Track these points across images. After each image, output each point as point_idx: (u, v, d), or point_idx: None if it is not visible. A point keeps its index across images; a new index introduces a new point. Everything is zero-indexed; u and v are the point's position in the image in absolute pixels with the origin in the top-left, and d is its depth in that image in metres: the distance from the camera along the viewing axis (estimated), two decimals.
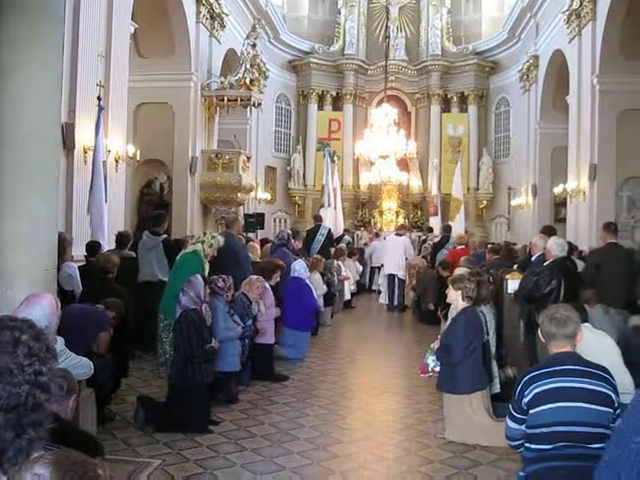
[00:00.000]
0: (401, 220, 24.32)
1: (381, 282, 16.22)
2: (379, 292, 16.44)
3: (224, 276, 7.20)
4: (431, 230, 19.30)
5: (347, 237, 18.85)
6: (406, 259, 15.24)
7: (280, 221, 25.42)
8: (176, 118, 15.68)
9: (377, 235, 19.82)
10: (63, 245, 7.78)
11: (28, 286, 4.46)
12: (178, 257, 7.99)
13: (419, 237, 21.45)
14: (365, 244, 20.45)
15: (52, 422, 1.40)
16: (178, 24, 15.42)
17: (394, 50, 26.14)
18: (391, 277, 15.17)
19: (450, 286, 6.16)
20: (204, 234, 8.15)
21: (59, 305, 4.26)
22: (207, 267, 7.63)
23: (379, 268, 18.34)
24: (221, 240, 8.00)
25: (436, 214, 22.71)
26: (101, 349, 5.71)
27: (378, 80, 25.79)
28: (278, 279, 9.04)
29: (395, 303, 15.05)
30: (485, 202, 25.44)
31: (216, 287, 6.96)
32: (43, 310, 3.98)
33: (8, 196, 4.71)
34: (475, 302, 6.36)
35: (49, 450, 1.45)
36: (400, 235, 15.88)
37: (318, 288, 11.40)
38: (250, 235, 16.32)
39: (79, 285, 7.66)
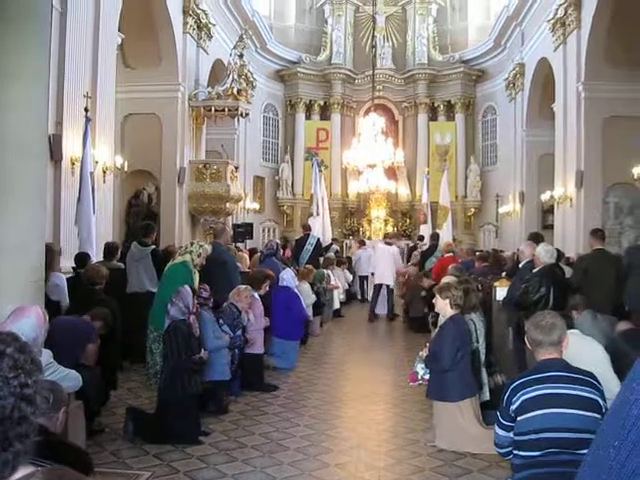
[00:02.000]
0: (390, 229, 24.35)
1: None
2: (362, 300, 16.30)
3: (204, 285, 7.21)
4: (422, 238, 19.33)
5: (335, 246, 18.85)
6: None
7: (269, 231, 25.42)
8: (164, 129, 15.69)
9: (362, 244, 19.83)
10: (52, 255, 7.76)
11: (15, 298, 4.44)
12: (167, 268, 7.96)
13: (407, 245, 21.49)
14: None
15: (38, 435, 1.39)
16: (165, 35, 15.44)
17: (381, 59, 26.28)
18: (378, 286, 15.02)
19: (437, 295, 6.16)
20: (191, 244, 8.13)
21: (47, 317, 4.24)
22: (197, 277, 7.61)
23: (367, 277, 18.35)
24: (209, 248, 8.00)
25: (425, 222, 22.78)
26: (89, 361, 5.69)
27: (365, 89, 25.86)
28: (267, 289, 9.04)
29: (377, 312, 14.87)
30: (473, 210, 25.54)
31: (201, 298, 6.95)
32: (30, 322, 3.96)
33: None
34: (464, 310, 6.37)
35: (41, 466, 1.45)
36: (389, 244, 15.72)
37: (307, 297, 11.40)
38: (239, 245, 16.30)
39: (66, 296, 7.63)
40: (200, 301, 6.92)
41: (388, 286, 14.95)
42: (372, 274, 16.24)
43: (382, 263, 15.11)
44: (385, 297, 15.00)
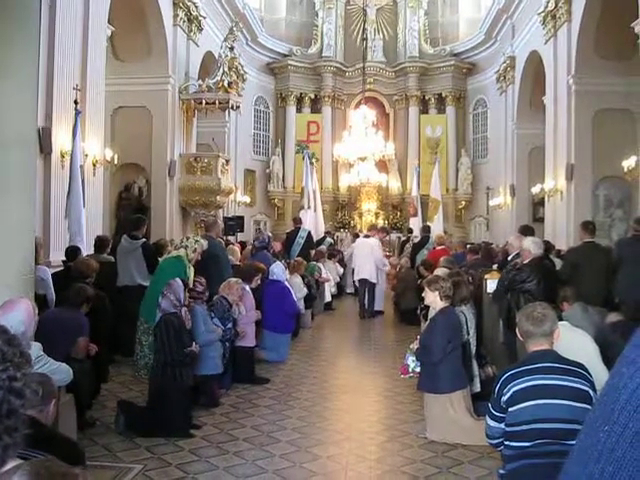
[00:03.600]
0: (381, 221, 24.35)
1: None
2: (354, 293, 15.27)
3: (200, 278, 7.20)
4: (411, 231, 19.28)
5: (329, 239, 18.81)
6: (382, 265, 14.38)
7: (260, 224, 25.41)
8: (154, 122, 15.63)
9: (357, 236, 19.75)
10: (35, 248, 7.72)
11: (5, 291, 4.42)
12: (161, 261, 7.95)
13: (399, 238, 21.50)
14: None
15: (27, 428, 1.38)
16: (155, 27, 15.37)
17: (372, 52, 26.27)
18: (363, 281, 14.10)
19: (426, 288, 6.15)
20: (187, 239, 8.11)
21: (36, 311, 4.23)
22: (191, 272, 7.59)
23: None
24: (205, 244, 7.98)
25: (415, 215, 22.80)
26: (80, 354, 5.68)
27: (356, 82, 25.87)
28: (259, 282, 9.04)
29: (366, 308, 14.11)
30: (464, 202, 25.61)
31: (195, 292, 6.94)
32: (20, 316, 3.95)
33: None
34: (455, 302, 6.39)
35: (29, 458, 1.44)
36: (368, 237, 14.81)
37: (298, 291, 11.39)
38: (230, 238, 16.28)
39: (52, 289, 7.60)
40: (193, 295, 6.92)
41: (370, 282, 14.04)
42: (353, 270, 15.27)
43: (361, 258, 14.29)
44: (370, 292, 14.15)
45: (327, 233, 19.90)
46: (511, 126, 21.48)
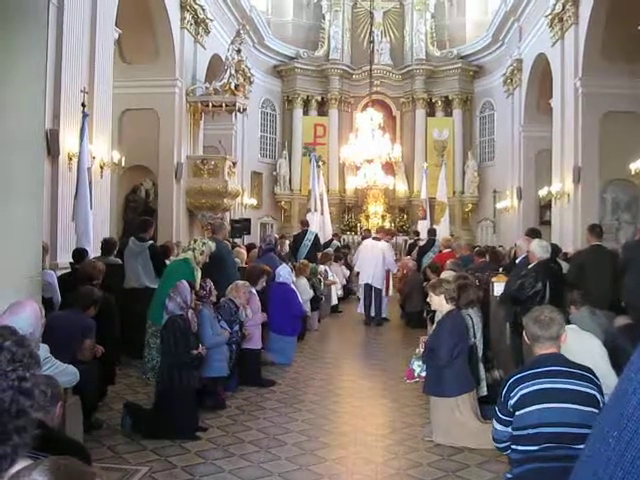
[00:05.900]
0: (387, 224, 24.29)
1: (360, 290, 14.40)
2: (359, 299, 14.60)
3: (202, 283, 7.20)
4: (418, 234, 19.24)
5: (336, 242, 18.77)
6: (388, 269, 13.98)
7: (266, 226, 25.42)
8: (161, 124, 15.66)
9: (365, 237, 19.65)
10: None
11: (12, 293, 4.42)
12: (169, 264, 7.96)
13: (406, 241, 21.46)
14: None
15: (36, 428, 1.39)
16: (162, 30, 15.42)
17: (379, 55, 26.26)
18: (368, 286, 13.56)
19: (431, 293, 6.12)
20: (194, 241, 8.13)
21: (43, 312, 4.24)
22: (199, 274, 7.60)
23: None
24: (212, 246, 8.00)
25: (425, 218, 22.76)
26: (86, 356, 5.68)
27: (363, 85, 25.86)
28: (264, 284, 9.03)
29: (372, 315, 13.51)
30: (471, 205, 25.56)
31: (197, 296, 6.94)
32: (27, 317, 3.95)
33: None
34: (461, 305, 6.37)
35: (39, 458, 1.44)
36: (378, 240, 14.14)
37: (304, 293, 11.38)
38: (236, 240, 16.28)
39: (58, 293, 7.62)
40: (197, 298, 6.92)
41: (376, 288, 13.50)
42: (357, 274, 14.72)
43: (367, 261, 13.67)
44: (377, 298, 13.60)
45: (334, 236, 19.87)
46: (518, 129, 21.44)
